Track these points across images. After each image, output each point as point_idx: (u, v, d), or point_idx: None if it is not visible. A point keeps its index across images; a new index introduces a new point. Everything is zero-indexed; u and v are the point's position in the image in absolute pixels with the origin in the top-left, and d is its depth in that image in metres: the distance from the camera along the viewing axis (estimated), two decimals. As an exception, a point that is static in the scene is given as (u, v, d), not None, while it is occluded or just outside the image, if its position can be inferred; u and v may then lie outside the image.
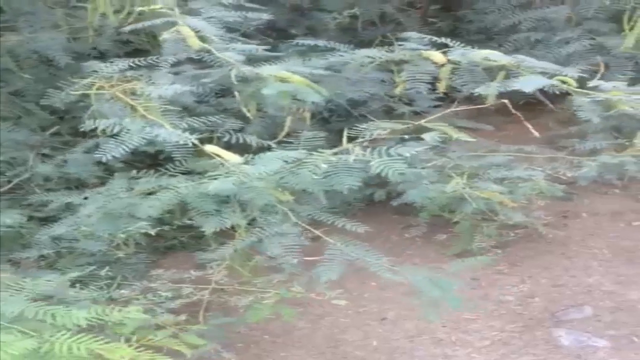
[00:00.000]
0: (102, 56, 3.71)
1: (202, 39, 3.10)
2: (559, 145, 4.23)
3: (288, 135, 3.40)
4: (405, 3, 5.50)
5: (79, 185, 3.54)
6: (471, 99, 3.94)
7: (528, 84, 2.86)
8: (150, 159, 3.49)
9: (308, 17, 3.69)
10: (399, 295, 3.31)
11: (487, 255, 3.51)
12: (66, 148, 3.68)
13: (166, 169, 3.16)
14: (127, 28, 3.42)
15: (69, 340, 1.99)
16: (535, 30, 4.78)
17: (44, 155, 3.64)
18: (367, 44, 3.61)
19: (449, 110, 3.25)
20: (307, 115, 3.54)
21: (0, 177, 3.50)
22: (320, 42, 3.44)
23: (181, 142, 2.80)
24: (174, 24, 3.13)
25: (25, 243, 3.13)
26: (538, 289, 3.37)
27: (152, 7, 3.25)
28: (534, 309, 3.22)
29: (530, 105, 3.66)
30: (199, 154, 2.91)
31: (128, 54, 3.79)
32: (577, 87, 2.92)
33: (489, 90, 3.01)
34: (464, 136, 2.98)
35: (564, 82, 2.90)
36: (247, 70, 3.04)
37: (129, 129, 2.81)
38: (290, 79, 2.95)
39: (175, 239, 3.64)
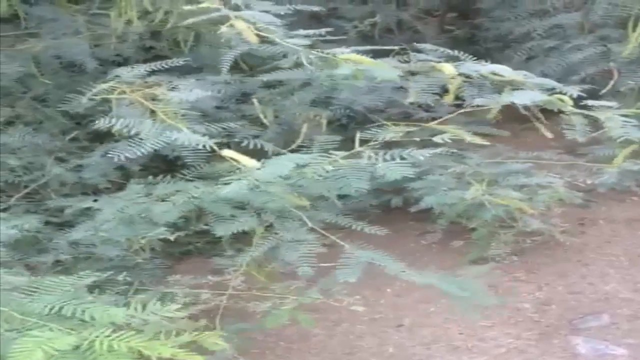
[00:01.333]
0: (124, 62, 3.62)
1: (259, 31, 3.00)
2: (578, 153, 4.08)
3: (304, 142, 3.27)
4: (422, 11, 5.38)
5: (95, 190, 3.45)
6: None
7: (523, 97, 2.86)
8: (167, 164, 3.38)
9: (327, 25, 3.58)
10: (415, 302, 3.20)
11: (504, 262, 3.41)
12: (84, 153, 3.57)
13: (182, 174, 3.06)
14: (168, 26, 3.37)
15: (108, 338, 1.89)
16: (549, 37, 4.64)
17: (61, 160, 3.53)
18: (385, 51, 3.51)
19: (456, 113, 3.19)
20: (324, 121, 3.43)
21: (17, 181, 3.41)
22: (341, 50, 3.34)
23: (199, 147, 2.70)
24: (225, 19, 3.01)
25: (41, 248, 3.03)
26: (555, 296, 3.22)
27: (200, 5, 3.12)
28: (550, 316, 3.08)
29: (546, 113, 3.56)
30: (216, 159, 2.81)
31: (148, 60, 3.70)
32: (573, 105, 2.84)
33: (494, 103, 2.95)
34: (477, 139, 2.88)
35: (561, 100, 2.83)
36: (317, 54, 2.97)
37: (146, 131, 2.74)
38: (361, 60, 2.91)
39: (190, 244, 3.53)
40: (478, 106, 3.35)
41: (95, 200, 3.08)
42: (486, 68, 2.99)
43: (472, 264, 3.43)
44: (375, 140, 2.77)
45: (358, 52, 3.06)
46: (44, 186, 3.46)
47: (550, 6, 4.73)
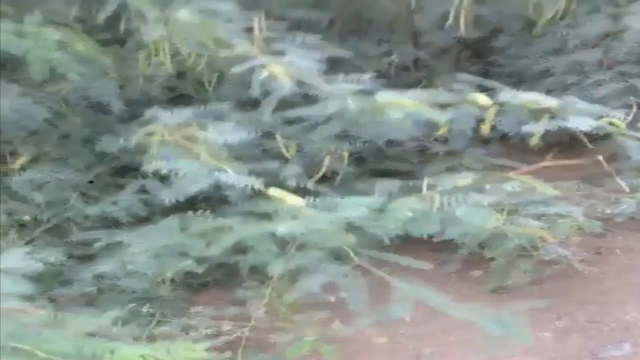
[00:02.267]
0: (149, 102, 3.59)
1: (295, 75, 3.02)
2: (596, 183, 3.95)
3: (325, 175, 3.31)
4: (437, 49, 5.31)
5: (117, 224, 3.39)
6: (503, 139, 3.79)
7: (579, 123, 2.93)
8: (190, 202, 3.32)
9: (345, 64, 3.53)
10: (434, 332, 3.05)
11: (523, 291, 3.28)
12: (108, 188, 3.55)
13: (213, 210, 3.02)
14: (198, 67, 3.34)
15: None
16: (568, 74, 4.55)
17: (84, 195, 3.51)
18: (401, 88, 3.47)
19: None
20: (345, 154, 3.36)
21: (40, 216, 3.39)
22: (365, 85, 3.29)
23: (242, 185, 2.73)
24: (261, 65, 3.04)
25: (65, 280, 2.99)
26: (575, 326, 3.08)
27: (235, 50, 3.17)
28: (571, 345, 2.95)
29: (564, 145, 3.51)
30: (257, 196, 2.81)
31: (173, 100, 3.66)
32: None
33: (536, 129, 2.95)
34: (547, 188, 2.97)
35: (611, 124, 2.85)
36: (360, 99, 2.99)
37: (191, 172, 2.76)
38: (406, 103, 2.93)
39: (209, 276, 3.44)
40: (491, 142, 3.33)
41: (124, 236, 3.03)
42: (525, 96, 2.99)
43: (492, 293, 3.32)
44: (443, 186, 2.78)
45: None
46: (67, 220, 3.42)
47: (571, 44, 4.67)
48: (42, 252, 2.78)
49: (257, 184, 2.76)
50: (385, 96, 2.99)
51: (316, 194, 2.96)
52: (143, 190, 3.42)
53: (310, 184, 3.16)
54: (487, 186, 2.85)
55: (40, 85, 3.59)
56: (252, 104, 3.35)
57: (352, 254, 2.69)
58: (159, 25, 3.33)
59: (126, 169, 3.62)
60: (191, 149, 2.92)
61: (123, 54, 3.83)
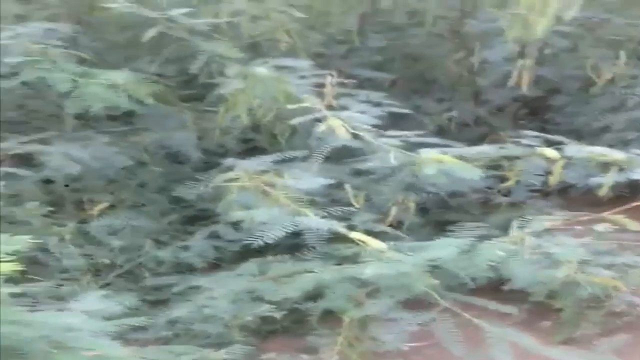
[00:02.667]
0: (225, 153, 3.70)
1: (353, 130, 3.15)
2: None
3: (391, 224, 3.34)
4: (496, 107, 5.36)
5: (191, 269, 3.46)
6: (563, 192, 3.79)
7: None
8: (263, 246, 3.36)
9: (408, 119, 3.62)
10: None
11: (593, 343, 3.21)
12: (181, 235, 3.61)
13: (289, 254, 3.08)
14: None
15: None
16: (628, 130, 4.55)
17: (158, 241, 3.57)
18: (463, 143, 3.54)
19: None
20: (412, 205, 3.40)
21: (116, 260, 3.45)
22: (431, 139, 3.37)
23: (322, 229, 2.77)
24: (323, 118, 3.18)
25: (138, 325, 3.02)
26: (645, 378, 3.03)
27: (302, 104, 3.30)
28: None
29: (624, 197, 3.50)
30: (335, 240, 2.87)
31: (247, 151, 3.75)
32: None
33: (605, 181, 3.00)
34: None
35: None
36: (403, 154, 3.10)
37: (271, 216, 2.82)
38: (445, 159, 3.01)
39: (279, 322, 3.44)
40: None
41: (200, 278, 3.08)
42: (590, 149, 3.06)
43: (560, 344, 3.25)
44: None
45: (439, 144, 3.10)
46: (140, 265, 3.49)
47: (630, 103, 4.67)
48: (117, 296, 2.83)
49: (340, 227, 2.81)
50: (426, 152, 3.11)
51: (390, 238, 3.00)
52: (215, 235, 3.48)
53: (385, 228, 3.21)
54: (577, 227, 2.87)
55: (123, 135, 3.74)
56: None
57: (437, 297, 2.70)
58: (239, 80, 3.49)
59: (198, 216, 3.71)
60: (271, 194, 3.02)
61: (201, 108, 4.01)
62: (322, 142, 3.31)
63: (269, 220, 2.83)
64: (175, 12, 3.69)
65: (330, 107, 3.37)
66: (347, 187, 3.39)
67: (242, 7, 3.96)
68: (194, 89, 4.08)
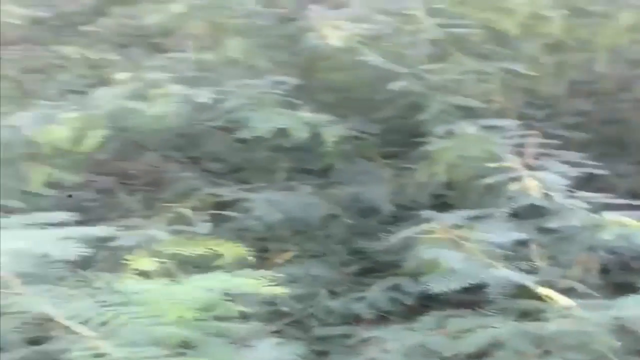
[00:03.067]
0: (415, 207, 3.78)
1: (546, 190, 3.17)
2: None
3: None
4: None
5: (358, 320, 3.51)
6: None
7: None
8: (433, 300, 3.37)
9: (598, 180, 3.55)
10: None
11: None
12: (358, 286, 3.68)
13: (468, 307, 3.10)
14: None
15: None
16: None
17: (333, 292, 3.64)
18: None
19: None
20: (596, 265, 3.32)
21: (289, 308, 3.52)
22: (620, 201, 3.29)
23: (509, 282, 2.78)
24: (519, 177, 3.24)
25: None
26: None
27: (503, 163, 3.37)
28: None
29: None
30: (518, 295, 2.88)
31: (437, 206, 3.84)
32: None
33: None
34: None
35: None
36: (588, 215, 3.09)
37: (463, 267, 2.84)
38: (629, 224, 2.98)
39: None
40: None
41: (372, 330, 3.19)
42: None
43: None
44: None
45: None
46: (310, 315, 3.58)
47: None
48: (288, 345, 2.88)
49: (529, 281, 2.81)
50: (610, 215, 3.05)
51: (575, 296, 2.96)
52: (393, 287, 3.52)
53: (570, 284, 3.16)
54: None
55: (321, 187, 3.99)
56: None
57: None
58: (445, 140, 3.63)
59: (375, 268, 3.79)
60: (463, 246, 3.04)
61: (400, 164, 4.15)
62: (514, 199, 3.31)
63: (459, 266, 2.86)
64: (423, 67, 3.82)
65: (528, 167, 3.41)
66: (532, 244, 3.39)
67: (472, 66, 4.04)
68: (395, 146, 4.24)
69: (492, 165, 3.41)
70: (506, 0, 4.17)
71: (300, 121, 3.67)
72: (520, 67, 4.05)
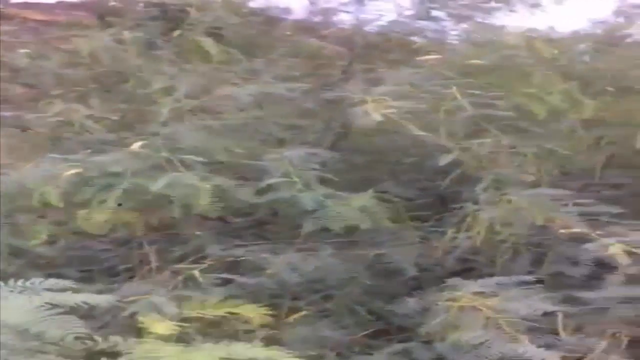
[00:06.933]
0: (439, 270, 3.59)
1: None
2: None
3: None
4: None
5: None
6: None
7: None
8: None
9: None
10: None
11: None
12: (368, 349, 3.42)
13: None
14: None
15: None
16: None
17: (341, 355, 3.38)
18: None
19: None
20: (624, 340, 3.00)
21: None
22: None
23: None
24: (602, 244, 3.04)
25: None
26: None
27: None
28: None
29: None
30: None
31: (461, 272, 3.58)
32: None
33: None
34: None
35: None
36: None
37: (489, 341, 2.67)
38: None
39: None
40: None
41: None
42: None
43: None
44: None
45: None
46: None
47: None
48: None
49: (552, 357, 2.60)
50: None
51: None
52: (404, 353, 3.27)
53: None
54: None
55: (346, 248, 3.78)
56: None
57: None
58: (492, 208, 3.44)
59: (389, 331, 3.54)
60: (488, 316, 2.85)
61: (428, 227, 3.95)
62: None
63: (484, 342, 2.66)
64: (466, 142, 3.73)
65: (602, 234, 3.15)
66: (559, 315, 3.10)
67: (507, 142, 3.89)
68: (426, 210, 4.05)
69: (563, 231, 3.22)
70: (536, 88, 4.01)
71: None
72: (553, 144, 3.90)
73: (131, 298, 3.06)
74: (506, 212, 3.42)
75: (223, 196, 3.48)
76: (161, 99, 4.22)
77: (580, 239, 3.13)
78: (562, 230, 3.22)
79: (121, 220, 3.51)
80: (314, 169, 3.75)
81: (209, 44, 4.86)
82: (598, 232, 3.10)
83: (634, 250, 2.94)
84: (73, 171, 3.46)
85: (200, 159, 3.62)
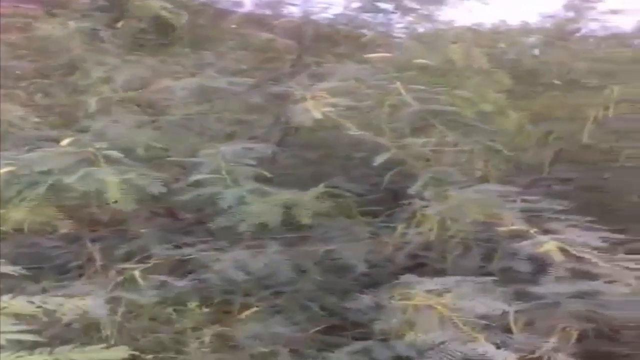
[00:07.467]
0: (391, 267, 3.53)
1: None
2: None
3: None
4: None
5: None
6: None
7: None
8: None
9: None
10: None
11: None
12: (323, 346, 3.35)
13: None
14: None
15: None
16: None
17: (296, 352, 3.32)
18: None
19: None
20: (574, 334, 2.97)
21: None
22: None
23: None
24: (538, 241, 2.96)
25: None
26: None
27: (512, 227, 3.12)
28: None
29: None
30: None
31: (412, 268, 3.53)
32: None
33: None
34: None
35: None
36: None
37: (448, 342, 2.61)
38: None
39: None
40: None
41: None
42: None
43: None
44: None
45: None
46: None
47: None
48: None
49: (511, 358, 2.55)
50: None
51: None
52: (363, 351, 3.19)
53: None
54: None
55: (295, 244, 3.69)
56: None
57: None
58: (438, 203, 3.36)
59: (345, 327, 3.48)
60: (447, 317, 2.79)
61: (379, 223, 3.88)
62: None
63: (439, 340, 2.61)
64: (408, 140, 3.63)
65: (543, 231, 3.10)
66: (510, 310, 3.06)
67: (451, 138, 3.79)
68: (377, 206, 3.98)
69: (502, 228, 3.15)
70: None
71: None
72: (500, 139, 3.84)
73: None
74: (450, 208, 3.35)
75: (133, 190, 3.33)
76: (96, 91, 4.04)
77: (519, 236, 3.07)
78: (501, 228, 3.15)
79: (41, 218, 3.33)
80: (249, 165, 3.61)
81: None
82: (535, 229, 3.05)
83: (567, 247, 2.88)
84: (5, 169, 3.29)
85: (121, 155, 3.45)
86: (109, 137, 3.67)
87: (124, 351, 2.26)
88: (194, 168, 3.55)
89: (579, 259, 2.87)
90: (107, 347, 2.30)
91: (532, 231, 3.05)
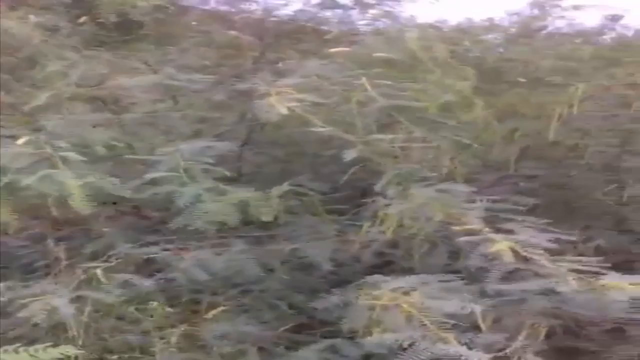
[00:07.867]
0: (358, 265, 3.48)
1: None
2: None
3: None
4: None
5: None
6: None
7: None
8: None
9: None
10: None
11: None
12: (292, 344, 3.30)
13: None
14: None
15: None
16: None
17: (265, 350, 3.27)
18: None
19: None
20: (542, 331, 2.95)
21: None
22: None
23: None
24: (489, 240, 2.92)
25: None
26: None
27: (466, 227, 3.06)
28: None
29: None
30: None
31: (379, 266, 3.49)
32: None
33: None
34: None
35: None
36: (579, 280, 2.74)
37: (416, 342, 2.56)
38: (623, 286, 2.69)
39: None
40: None
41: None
42: None
43: None
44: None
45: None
46: None
47: None
48: None
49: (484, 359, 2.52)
50: (611, 278, 2.72)
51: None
52: (330, 349, 3.17)
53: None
54: None
55: (261, 242, 3.62)
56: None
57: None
58: (399, 201, 3.31)
59: (313, 326, 3.43)
60: (413, 315, 2.75)
61: (345, 221, 3.83)
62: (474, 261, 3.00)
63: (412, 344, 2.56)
64: (374, 137, 3.56)
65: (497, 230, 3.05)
66: (477, 307, 3.03)
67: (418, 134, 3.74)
68: (343, 204, 3.92)
69: (457, 228, 3.10)
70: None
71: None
72: (466, 136, 3.79)
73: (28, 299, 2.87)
74: (410, 208, 3.31)
75: (94, 192, 3.24)
76: (52, 86, 3.92)
77: (473, 235, 3.02)
78: (456, 227, 3.10)
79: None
80: (208, 163, 3.51)
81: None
82: (489, 229, 3.01)
83: (517, 249, 2.85)
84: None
85: (79, 156, 3.35)
86: (67, 134, 3.56)
87: (70, 349, 2.18)
88: (151, 166, 3.46)
89: (528, 259, 2.84)
90: (54, 346, 2.22)
91: (485, 230, 3.01)
